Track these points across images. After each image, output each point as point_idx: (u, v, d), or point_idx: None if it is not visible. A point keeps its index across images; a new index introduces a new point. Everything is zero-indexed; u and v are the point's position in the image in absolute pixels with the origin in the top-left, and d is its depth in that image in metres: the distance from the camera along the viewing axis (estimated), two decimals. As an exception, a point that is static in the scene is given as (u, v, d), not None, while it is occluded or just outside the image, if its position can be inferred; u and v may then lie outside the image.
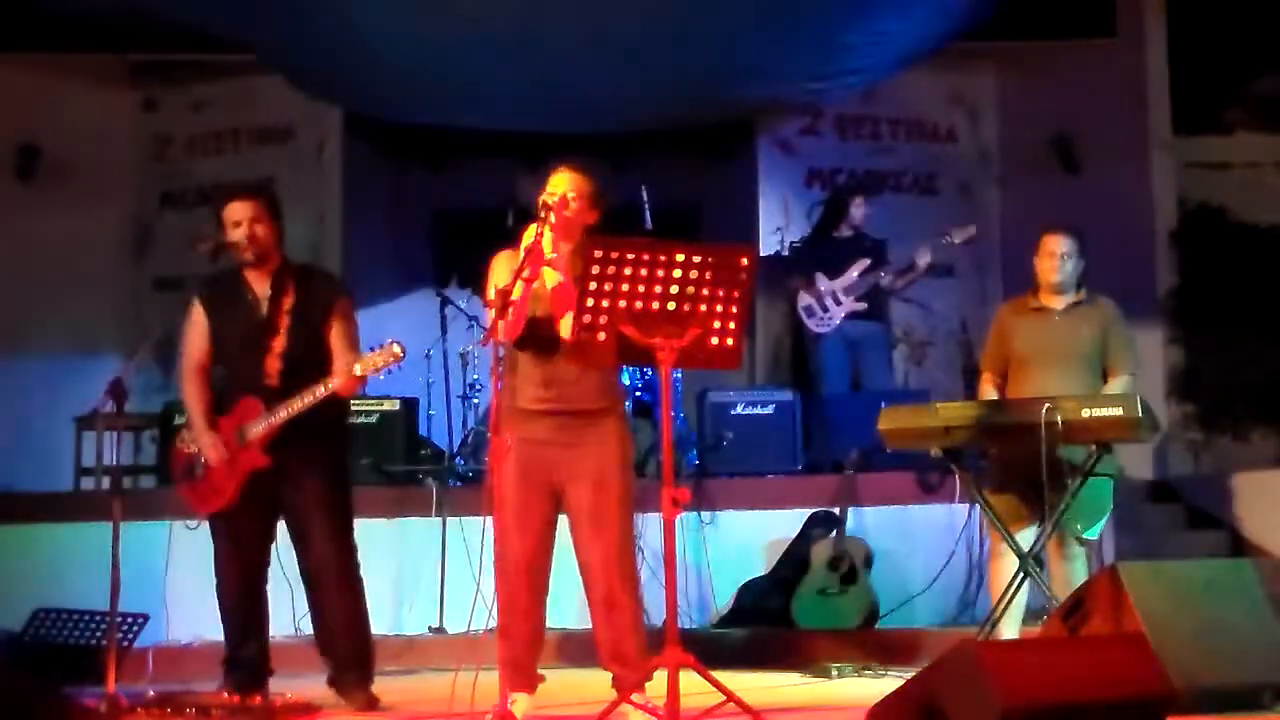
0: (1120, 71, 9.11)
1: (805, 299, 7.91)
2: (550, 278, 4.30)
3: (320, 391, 4.70)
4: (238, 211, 4.85)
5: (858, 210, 8.02)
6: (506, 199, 8.34)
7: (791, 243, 8.73)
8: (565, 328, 4.18)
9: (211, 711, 4.50)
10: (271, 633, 6.29)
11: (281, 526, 4.98)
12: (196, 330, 4.96)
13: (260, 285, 4.90)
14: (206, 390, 4.93)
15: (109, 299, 9.45)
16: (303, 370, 4.77)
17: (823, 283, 7.87)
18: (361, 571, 4.98)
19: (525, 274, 4.18)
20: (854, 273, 7.81)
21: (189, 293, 5.13)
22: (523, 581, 4.36)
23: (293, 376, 4.77)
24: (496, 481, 4.06)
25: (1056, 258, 5.45)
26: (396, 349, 4.65)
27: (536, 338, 4.35)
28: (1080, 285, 5.51)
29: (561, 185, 4.38)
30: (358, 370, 4.68)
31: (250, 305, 4.88)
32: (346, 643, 4.93)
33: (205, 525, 5.01)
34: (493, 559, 4.01)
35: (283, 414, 4.73)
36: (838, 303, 7.85)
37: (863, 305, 7.83)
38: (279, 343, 4.83)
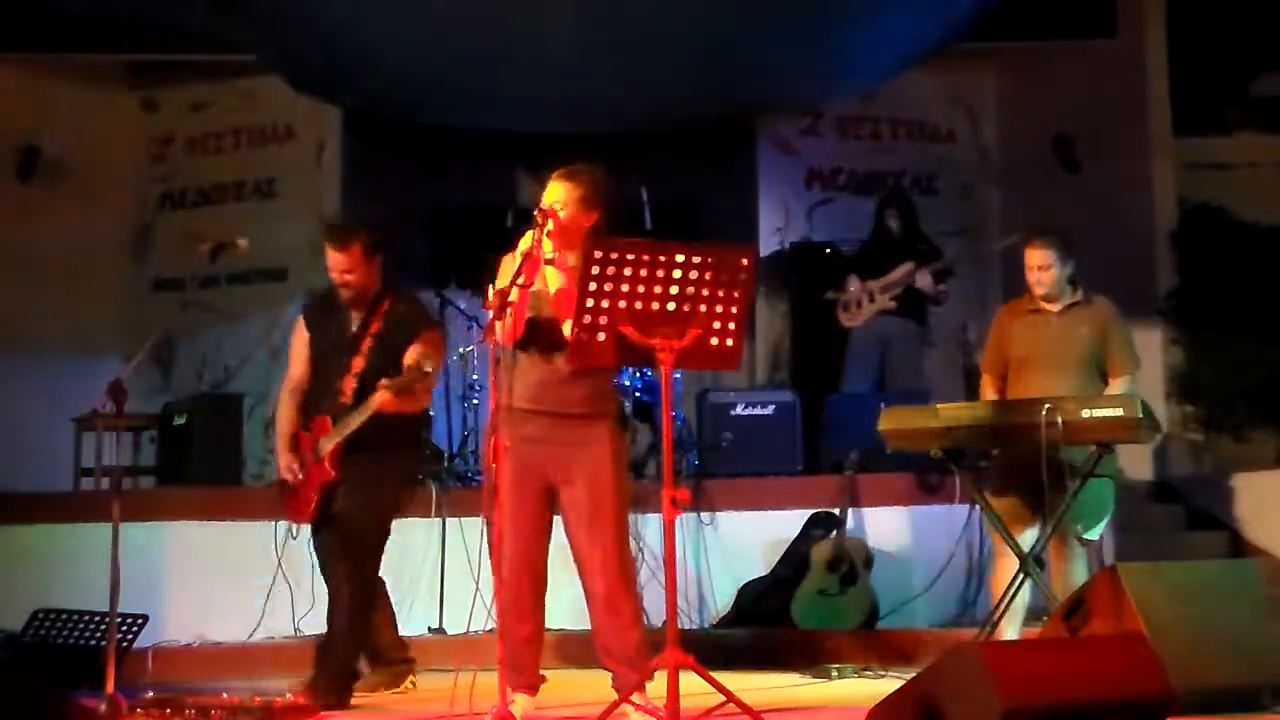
0: (1120, 71, 9.10)
1: (843, 295, 8.03)
2: (554, 280, 4.30)
3: (367, 409, 4.81)
4: (333, 263, 5.01)
5: (892, 223, 8.11)
6: (506, 199, 8.33)
7: (860, 242, 8.73)
8: (568, 330, 4.18)
9: (211, 711, 4.50)
10: (272, 633, 6.31)
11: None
12: (299, 342, 5.17)
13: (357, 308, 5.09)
14: (297, 411, 5.10)
15: (109, 299, 9.44)
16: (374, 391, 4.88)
17: (854, 282, 7.99)
18: (367, 601, 5.07)
19: (520, 279, 4.19)
20: (897, 273, 7.91)
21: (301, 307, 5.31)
22: (521, 582, 4.36)
23: (366, 397, 4.89)
24: (496, 483, 4.07)
25: (1035, 271, 5.42)
26: (427, 367, 4.80)
27: (540, 340, 4.35)
28: (1076, 285, 5.49)
29: (550, 196, 4.40)
30: (388, 385, 4.77)
31: (342, 322, 5.06)
32: (322, 659, 5.05)
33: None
34: (489, 559, 4.01)
35: (343, 431, 4.88)
36: (871, 300, 7.95)
37: (892, 305, 7.95)
38: (358, 363, 4.99)
